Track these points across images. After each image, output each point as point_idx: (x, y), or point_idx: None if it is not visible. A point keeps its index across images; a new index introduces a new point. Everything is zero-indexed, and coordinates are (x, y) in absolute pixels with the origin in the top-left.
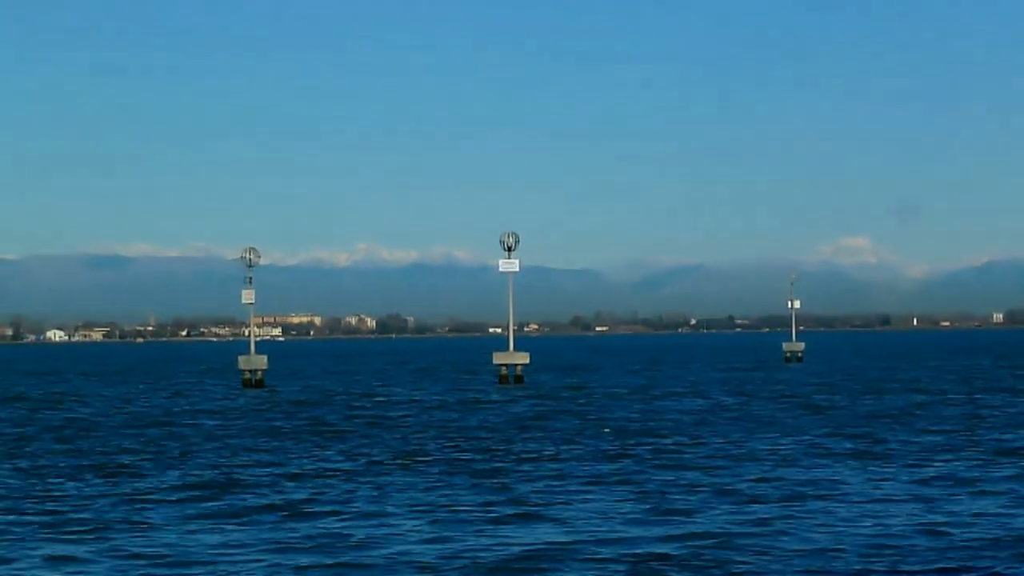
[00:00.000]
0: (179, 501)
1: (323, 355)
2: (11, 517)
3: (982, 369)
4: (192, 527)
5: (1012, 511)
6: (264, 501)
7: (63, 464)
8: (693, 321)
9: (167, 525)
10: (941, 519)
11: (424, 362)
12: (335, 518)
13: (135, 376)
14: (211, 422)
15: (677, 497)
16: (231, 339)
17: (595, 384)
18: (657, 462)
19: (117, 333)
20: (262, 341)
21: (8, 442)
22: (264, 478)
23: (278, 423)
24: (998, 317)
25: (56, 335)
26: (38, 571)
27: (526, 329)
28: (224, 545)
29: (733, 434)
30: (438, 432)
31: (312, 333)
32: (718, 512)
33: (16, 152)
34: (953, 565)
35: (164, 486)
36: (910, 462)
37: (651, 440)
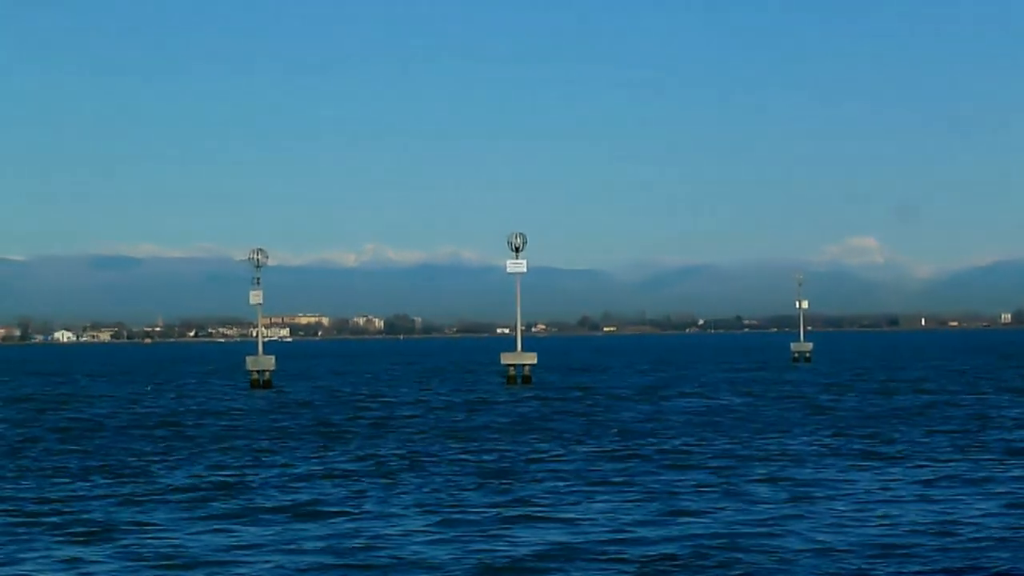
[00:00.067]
0: (187, 502)
1: (331, 356)
2: (19, 518)
3: (990, 369)
4: (200, 528)
5: (1019, 511)
6: (272, 502)
7: (70, 465)
8: (701, 321)
9: (174, 526)
10: (948, 519)
11: (431, 363)
12: (343, 519)
13: (142, 377)
14: (219, 423)
15: (685, 497)
16: (239, 340)
17: (603, 384)
18: (665, 462)
19: (125, 334)
20: (270, 342)
21: (15, 443)
22: (272, 479)
23: (286, 424)
24: (1006, 317)
25: (64, 336)
26: (46, 572)
27: (534, 330)
28: (232, 546)
29: (740, 434)
30: (445, 433)
31: (320, 333)
32: (726, 512)
33: (23, 153)
34: (960, 565)
35: (172, 487)
36: (918, 462)
37: (658, 440)
